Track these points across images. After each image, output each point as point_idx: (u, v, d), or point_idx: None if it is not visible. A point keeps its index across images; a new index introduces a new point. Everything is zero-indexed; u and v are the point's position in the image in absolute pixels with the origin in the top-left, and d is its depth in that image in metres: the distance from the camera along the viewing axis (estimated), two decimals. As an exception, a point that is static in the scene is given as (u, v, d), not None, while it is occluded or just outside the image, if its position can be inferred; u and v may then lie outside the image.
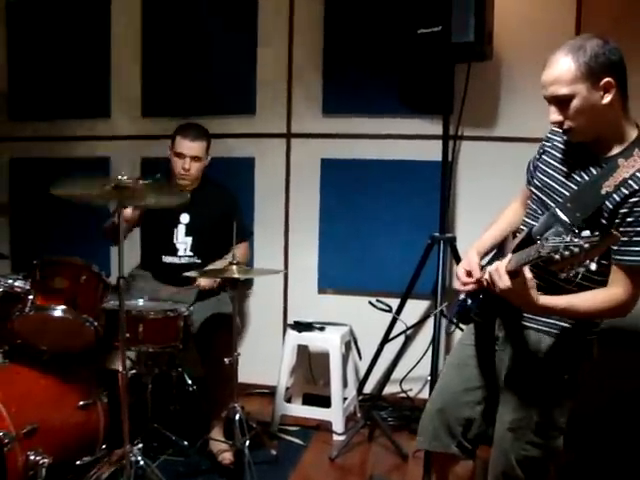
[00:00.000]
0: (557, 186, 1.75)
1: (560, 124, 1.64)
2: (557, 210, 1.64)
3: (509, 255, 1.61)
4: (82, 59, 3.83)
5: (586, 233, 1.33)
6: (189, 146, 2.99)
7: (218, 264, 2.99)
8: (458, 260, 3.10)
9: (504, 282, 1.55)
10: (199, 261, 3.08)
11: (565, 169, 1.75)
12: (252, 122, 3.67)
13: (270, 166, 3.68)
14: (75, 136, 3.89)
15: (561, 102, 1.60)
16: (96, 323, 2.45)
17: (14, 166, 4.05)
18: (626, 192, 1.56)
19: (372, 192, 3.51)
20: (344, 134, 3.55)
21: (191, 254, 3.11)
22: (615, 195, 1.58)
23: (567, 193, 1.70)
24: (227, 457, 2.74)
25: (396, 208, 3.46)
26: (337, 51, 3.48)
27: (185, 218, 3.10)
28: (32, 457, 2.12)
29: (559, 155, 1.79)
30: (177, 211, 3.04)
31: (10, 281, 2.44)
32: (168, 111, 3.68)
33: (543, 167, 1.83)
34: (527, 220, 1.82)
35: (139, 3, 3.74)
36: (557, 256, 1.34)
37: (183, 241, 3.11)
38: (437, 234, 3.09)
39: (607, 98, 1.58)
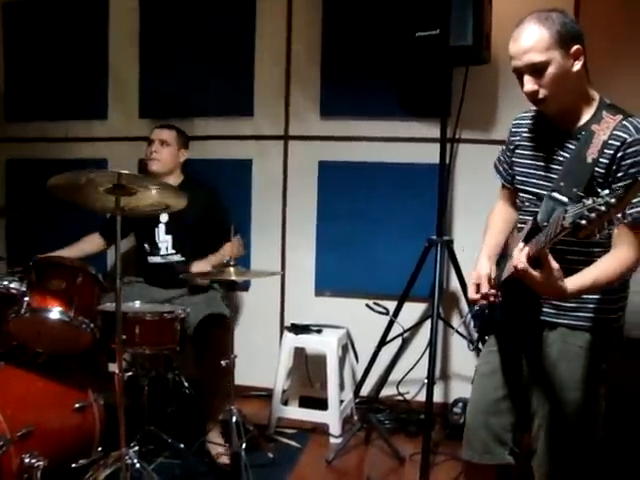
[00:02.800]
0: (542, 172, 1.76)
1: (534, 94, 1.66)
2: (553, 193, 1.64)
3: (520, 244, 1.56)
4: (79, 60, 3.82)
5: (605, 192, 1.30)
6: (157, 132, 3.18)
7: (212, 259, 3.02)
8: (455, 263, 3.11)
9: (530, 276, 1.50)
10: (182, 258, 3.10)
11: (543, 154, 1.76)
12: (250, 124, 3.67)
13: (268, 168, 3.67)
14: (72, 137, 3.88)
15: (536, 71, 1.63)
16: (92, 325, 2.44)
17: (10, 167, 4.05)
18: (611, 152, 1.60)
19: (370, 194, 3.50)
20: (342, 136, 3.54)
21: (173, 252, 3.14)
22: (602, 158, 1.61)
23: (554, 175, 1.71)
24: (224, 460, 2.73)
25: (394, 210, 3.46)
26: (335, 53, 3.48)
27: (164, 217, 3.13)
28: (27, 460, 2.10)
29: (531, 144, 1.81)
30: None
31: (5, 282, 2.43)
32: (166, 112, 3.68)
33: (521, 161, 1.84)
34: (523, 217, 1.81)
35: (137, 3, 3.74)
36: (584, 221, 1.30)
37: (164, 240, 3.15)
38: (434, 237, 3.09)
39: (577, 65, 1.64)
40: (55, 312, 2.37)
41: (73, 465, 2.36)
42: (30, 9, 3.88)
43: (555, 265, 1.49)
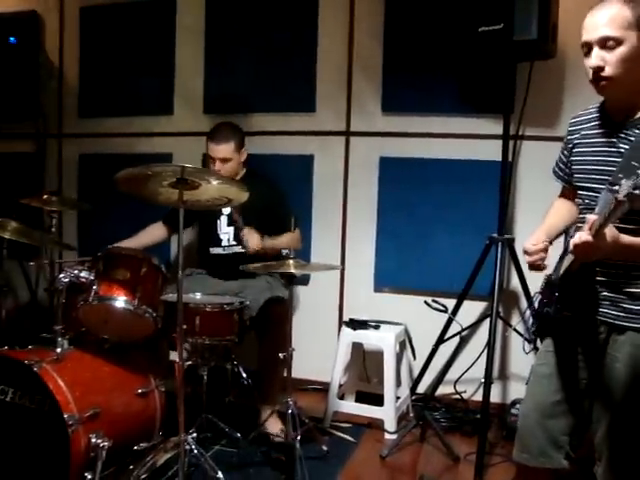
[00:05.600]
0: (602, 167, 1.72)
1: (599, 70, 1.62)
2: (611, 185, 1.61)
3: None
4: (148, 59, 3.96)
5: None
6: (216, 149, 3.12)
7: (268, 240, 3.06)
8: (516, 261, 3.05)
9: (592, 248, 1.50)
10: (243, 250, 3.12)
11: (603, 149, 1.72)
12: (312, 120, 3.70)
13: (329, 164, 3.70)
14: (140, 132, 4.02)
15: (606, 46, 1.60)
16: (155, 314, 2.52)
17: (83, 162, 4.22)
18: None
19: (431, 191, 3.48)
20: (403, 133, 3.53)
21: (234, 243, 3.20)
22: None
23: (614, 168, 1.65)
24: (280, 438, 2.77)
25: (455, 208, 3.43)
26: (397, 49, 3.48)
27: (227, 209, 3.17)
28: (94, 439, 2.19)
29: (590, 140, 1.77)
30: None
31: (76, 271, 2.52)
32: (229, 108, 3.76)
33: (580, 158, 1.81)
34: (583, 215, 1.76)
35: (203, 3, 3.84)
36: (637, 191, 1.31)
37: (226, 231, 3.22)
38: (495, 235, 3.04)
39: None
40: (120, 301, 2.46)
41: (135, 447, 2.44)
42: (104, 13, 4.05)
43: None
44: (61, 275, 2.50)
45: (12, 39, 3.90)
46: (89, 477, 2.17)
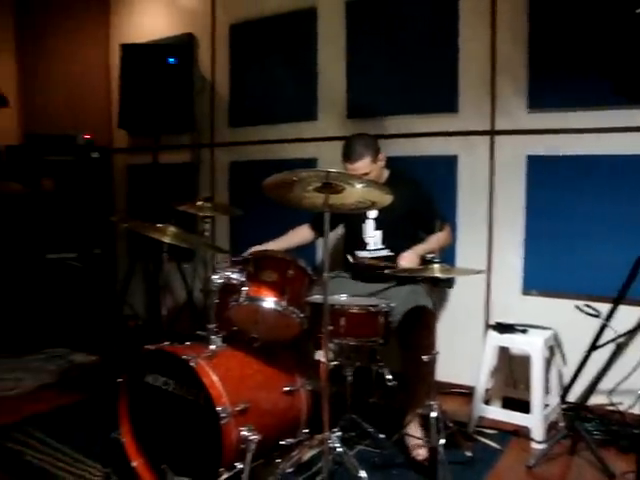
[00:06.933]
0: None
1: None
2: None
3: None
4: (292, 68, 4.15)
5: None
6: (353, 168, 3.08)
7: (419, 248, 2.99)
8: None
9: None
10: (391, 253, 3.12)
11: None
12: (455, 120, 3.66)
13: (474, 164, 3.63)
14: (286, 139, 4.18)
15: None
16: (302, 315, 2.60)
17: (233, 168, 4.48)
18: None
19: (582, 189, 3.30)
20: (552, 129, 3.38)
21: (382, 247, 3.20)
22: None
23: None
24: (421, 453, 2.76)
25: (607, 206, 3.23)
26: (543, 41, 3.33)
27: (373, 213, 3.18)
28: (244, 432, 2.31)
29: None
30: None
31: (228, 273, 2.68)
32: (372, 112, 3.80)
33: None
34: None
35: (343, 8, 3.93)
36: None
37: (372, 235, 3.21)
38: (655, 235, 2.83)
39: None
40: (269, 301, 2.56)
41: (282, 442, 2.54)
42: (251, 28, 4.30)
43: None
44: (214, 277, 2.67)
45: (172, 59, 4.23)
46: (239, 467, 2.30)
